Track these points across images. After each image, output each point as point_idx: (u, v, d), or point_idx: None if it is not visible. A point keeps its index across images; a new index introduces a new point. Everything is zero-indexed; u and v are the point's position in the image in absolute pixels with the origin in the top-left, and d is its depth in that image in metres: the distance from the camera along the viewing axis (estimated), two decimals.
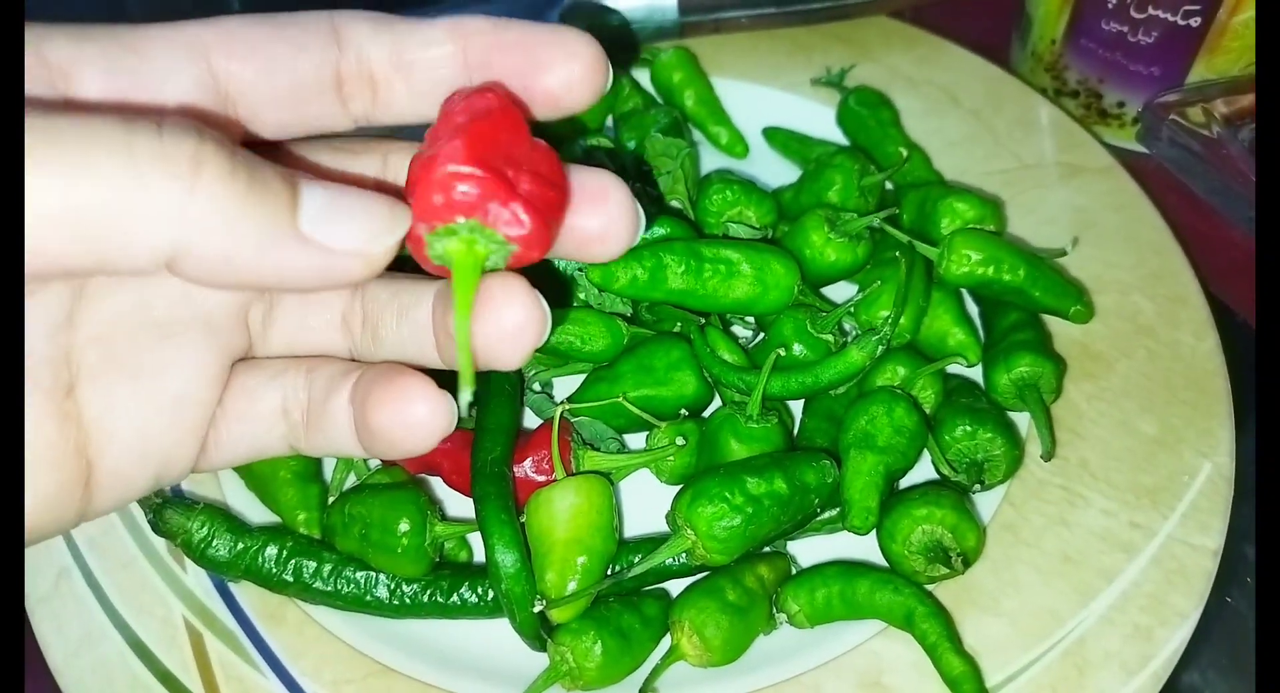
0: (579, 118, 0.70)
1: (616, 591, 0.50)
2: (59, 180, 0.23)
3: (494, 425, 0.52)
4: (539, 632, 0.48)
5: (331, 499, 0.55)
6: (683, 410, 0.55)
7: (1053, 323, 0.59)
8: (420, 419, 0.32)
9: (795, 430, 0.56)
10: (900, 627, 0.48)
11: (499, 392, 0.54)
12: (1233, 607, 0.55)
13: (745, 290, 0.55)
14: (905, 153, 0.63)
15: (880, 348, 0.52)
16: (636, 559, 0.50)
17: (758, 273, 0.54)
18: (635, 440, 0.57)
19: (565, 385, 0.59)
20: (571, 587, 0.47)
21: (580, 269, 0.57)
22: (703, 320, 0.57)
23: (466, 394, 0.28)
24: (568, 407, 0.53)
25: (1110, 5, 0.69)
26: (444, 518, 0.52)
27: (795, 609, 0.49)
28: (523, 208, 0.28)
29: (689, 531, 0.47)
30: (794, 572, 0.52)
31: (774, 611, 0.50)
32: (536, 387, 0.58)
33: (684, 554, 0.50)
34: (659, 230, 0.58)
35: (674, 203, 0.63)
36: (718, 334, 0.56)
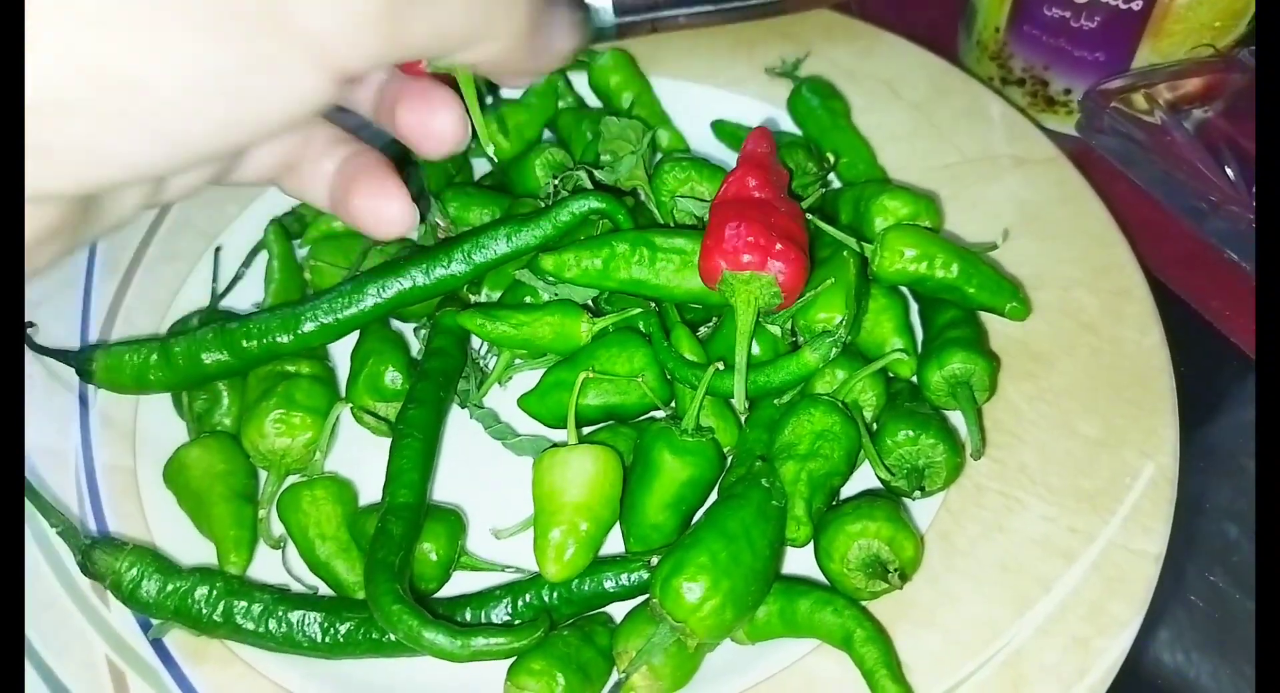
0: (520, 129, 0.69)
1: (560, 616, 0.50)
2: None
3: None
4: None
5: (261, 513, 0.54)
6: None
7: (996, 322, 0.57)
8: (392, 216, 0.38)
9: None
10: (839, 648, 0.47)
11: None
12: (1216, 587, 0.54)
13: (699, 282, 0.54)
14: (833, 158, 0.62)
15: (834, 351, 0.51)
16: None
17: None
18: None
19: (524, 381, 0.59)
20: (570, 553, 0.48)
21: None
22: (653, 305, 0.56)
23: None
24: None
25: None
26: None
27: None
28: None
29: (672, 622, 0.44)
30: None
31: None
32: (481, 404, 0.58)
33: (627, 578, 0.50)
34: (592, 203, 0.56)
35: (636, 187, 0.62)
36: (684, 333, 0.55)
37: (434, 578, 0.51)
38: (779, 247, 0.50)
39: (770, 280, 0.51)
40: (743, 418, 0.54)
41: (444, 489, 0.56)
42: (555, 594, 0.49)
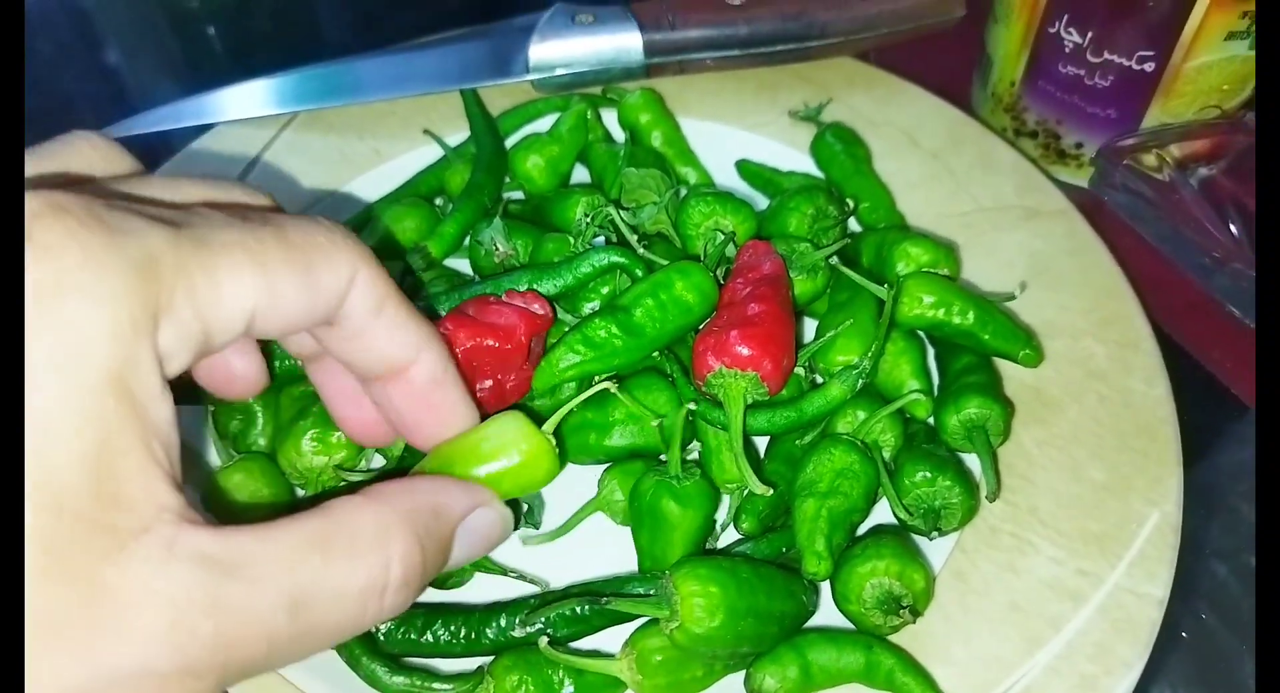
0: (554, 162, 0.71)
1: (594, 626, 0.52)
2: None
3: None
4: None
5: None
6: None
7: (1007, 367, 0.59)
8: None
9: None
10: (881, 687, 0.48)
11: None
12: (1206, 625, 0.56)
13: (678, 317, 0.56)
14: (853, 203, 0.64)
15: (860, 382, 0.54)
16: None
17: (669, 296, 0.56)
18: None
19: None
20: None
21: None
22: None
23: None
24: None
25: (1067, 49, 0.70)
26: None
27: (774, 687, 0.48)
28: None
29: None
30: None
31: None
32: None
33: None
34: (612, 257, 0.59)
35: (659, 231, 0.64)
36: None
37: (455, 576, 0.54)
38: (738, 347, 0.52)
39: (738, 374, 0.52)
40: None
41: None
42: (586, 608, 0.51)
